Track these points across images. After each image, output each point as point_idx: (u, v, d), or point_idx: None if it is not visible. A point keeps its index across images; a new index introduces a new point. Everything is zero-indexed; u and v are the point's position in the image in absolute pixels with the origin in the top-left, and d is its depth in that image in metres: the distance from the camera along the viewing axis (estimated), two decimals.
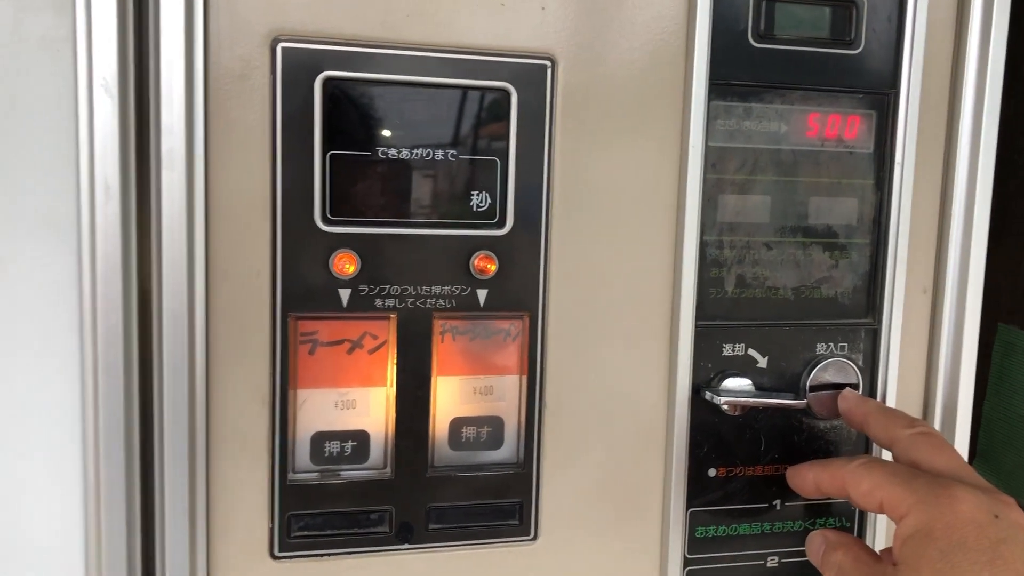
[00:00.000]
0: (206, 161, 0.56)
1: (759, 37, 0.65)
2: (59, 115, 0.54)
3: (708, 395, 0.67)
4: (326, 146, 0.59)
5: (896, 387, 0.70)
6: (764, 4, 0.65)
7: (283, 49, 0.57)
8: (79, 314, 0.55)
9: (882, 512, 0.58)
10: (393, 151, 0.60)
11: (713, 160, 0.66)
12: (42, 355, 0.56)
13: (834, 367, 0.69)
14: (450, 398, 0.64)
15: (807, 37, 0.67)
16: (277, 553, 0.61)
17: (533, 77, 0.62)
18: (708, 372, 0.68)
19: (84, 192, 0.54)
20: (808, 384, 0.69)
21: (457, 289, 0.62)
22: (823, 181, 0.69)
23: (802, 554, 0.71)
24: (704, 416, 0.68)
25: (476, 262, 0.62)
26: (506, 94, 0.61)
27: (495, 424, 0.65)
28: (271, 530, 0.61)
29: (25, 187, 0.54)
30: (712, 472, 0.69)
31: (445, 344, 0.63)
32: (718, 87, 0.65)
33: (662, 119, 0.64)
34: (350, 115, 0.59)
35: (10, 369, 0.55)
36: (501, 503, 0.65)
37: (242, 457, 0.60)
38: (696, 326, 0.67)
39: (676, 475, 0.68)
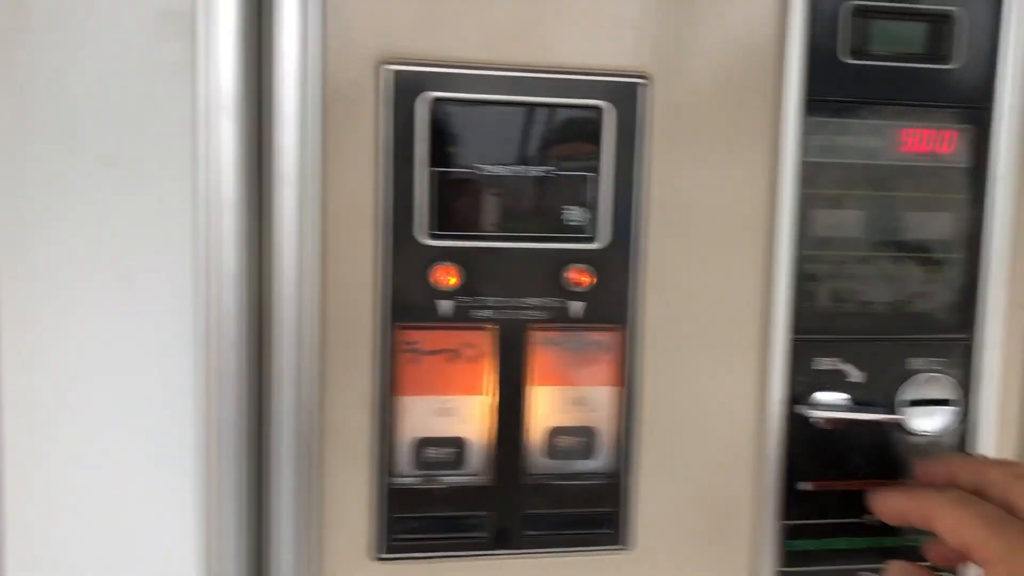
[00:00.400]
0: (320, 178, 0.59)
1: (853, 53, 0.66)
2: (182, 137, 0.58)
3: (802, 409, 0.67)
4: (429, 163, 0.61)
5: (996, 402, 0.69)
6: (858, 21, 0.66)
7: (390, 72, 0.60)
8: (198, 323, 0.58)
9: (967, 553, 0.56)
10: (492, 168, 0.62)
11: (807, 175, 0.67)
12: (164, 362, 0.59)
13: (931, 382, 0.69)
14: (545, 408, 0.65)
15: (902, 53, 0.67)
16: (381, 555, 0.63)
17: (627, 94, 0.63)
18: (801, 385, 0.68)
19: (202, 208, 0.57)
20: (904, 399, 0.69)
21: (552, 301, 0.64)
22: (917, 196, 0.69)
23: None
24: (797, 429, 0.68)
25: (571, 275, 0.64)
26: (600, 111, 0.63)
27: (589, 434, 0.66)
28: (375, 532, 0.63)
29: (152, 205, 0.58)
30: (805, 486, 0.69)
31: (540, 355, 0.65)
32: (812, 103, 0.66)
33: (756, 134, 0.65)
34: (452, 133, 0.62)
35: (134, 375, 0.59)
36: (595, 512, 0.66)
37: (349, 461, 0.63)
38: (792, 339, 0.67)
39: (768, 488, 0.68)
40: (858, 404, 0.68)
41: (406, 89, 0.61)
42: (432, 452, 0.64)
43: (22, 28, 0.55)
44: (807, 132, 0.66)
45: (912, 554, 0.70)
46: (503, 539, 0.65)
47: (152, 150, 0.58)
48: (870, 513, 0.70)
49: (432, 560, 0.64)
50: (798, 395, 0.68)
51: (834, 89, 0.66)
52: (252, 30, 0.58)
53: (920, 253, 0.69)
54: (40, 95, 0.56)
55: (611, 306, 0.65)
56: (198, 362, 0.59)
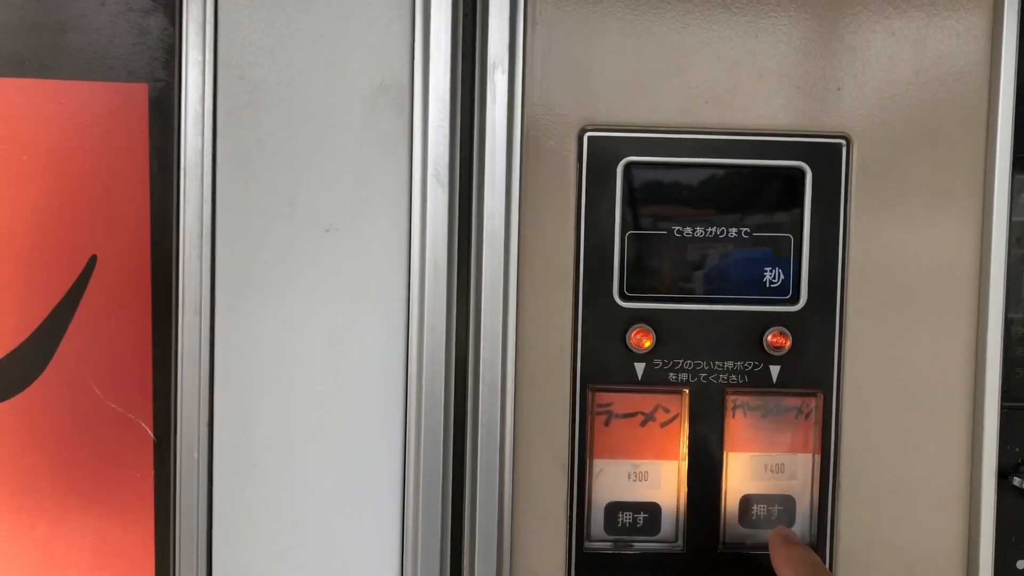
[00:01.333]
0: (519, 241, 0.61)
1: None
2: (394, 204, 0.60)
3: (1017, 481, 0.63)
4: (625, 226, 0.62)
5: None
6: None
7: (589, 138, 0.61)
8: (403, 382, 0.60)
9: None
10: (688, 230, 0.62)
11: (1018, 235, 0.64)
12: (372, 420, 0.61)
13: None
14: (741, 474, 0.64)
15: None
16: None
17: (828, 155, 0.62)
18: (1015, 456, 0.64)
19: (415, 271, 0.59)
20: None
21: (749, 365, 0.63)
22: None
23: None
24: (1012, 503, 0.64)
25: (769, 338, 0.63)
26: (801, 172, 0.62)
27: (787, 503, 0.64)
28: None
29: (365, 269, 0.61)
30: (1022, 564, 0.65)
31: (736, 419, 0.64)
32: (1022, 160, 0.63)
33: (962, 194, 0.63)
34: (648, 196, 0.62)
35: (344, 432, 0.61)
36: None
37: (543, 524, 0.63)
38: (1002, 407, 0.64)
39: (983, 565, 0.64)
40: None
41: (606, 154, 0.62)
42: (624, 517, 0.64)
43: (249, 105, 0.59)
44: (1018, 191, 0.63)
45: None
46: None
47: (366, 216, 0.60)
48: None
49: None
50: (1011, 466, 0.64)
51: None
52: (464, 101, 0.60)
53: None
54: (266, 167, 0.60)
55: (810, 370, 0.63)
56: (407, 420, 0.60)
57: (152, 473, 0.63)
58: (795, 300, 0.63)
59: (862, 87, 0.62)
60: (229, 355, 0.61)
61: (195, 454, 0.61)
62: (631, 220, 0.62)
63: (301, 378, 0.61)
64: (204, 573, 0.62)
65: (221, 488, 0.61)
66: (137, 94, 0.61)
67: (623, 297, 0.62)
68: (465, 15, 0.60)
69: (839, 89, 0.62)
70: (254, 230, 0.60)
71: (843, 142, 0.62)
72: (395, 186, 0.60)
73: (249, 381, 0.61)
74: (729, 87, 0.62)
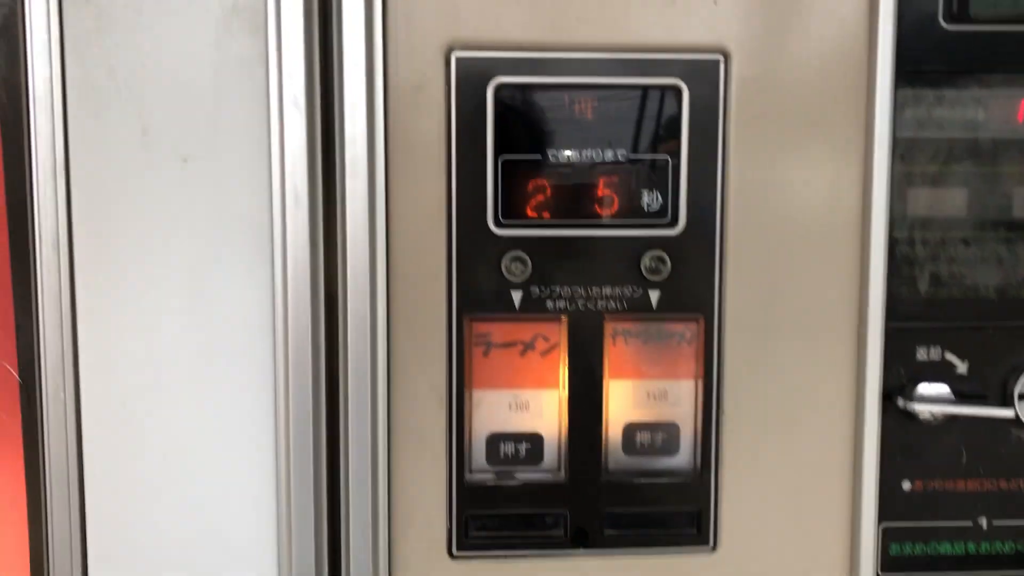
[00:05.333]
0: (387, 169, 0.59)
1: (952, 18, 0.61)
2: (255, 131, 0.58)
3: (902, 402, 0.63)
4: (498, 151, 0.60)
5: None
6: None
7: (457, 59, 0.59)
8: (271, 315, 0.59)
9: None
10: (563, 153, 0.61)
11: (901, 152, 0.62)
12: (239, 355, 0.60)
13: None
14: (623, 402, 0.63)
15: (1006, 16, 0.62)
16: (455, 552, 0.62)
17: (705, 73, 0.61)
18: (900, 377, 0.64)
19: (276, 201, 0.57)
20: (1017, 392, 0.64)
21: (628, 291, 0.62)
22: None
23: None
24: (897, 424, 0.64)
25: (648, 263, 0.61)
26: (677, 91, 0.61)
27: (670, 430, 0.63)
28: (449, 529, 0.62)
29: (226, 199, 0.59)
30: (907, 485, 0.64)
31: (617, 347, 0.63)
32: (906, 74, 0.61)
33: (845, 110, 0.61)
34: (521, 120, 0.60)
35: (208, 367, 0.60)
36: (678, 511, 0.63)
37: (421, 456, 0.62)
38: (886, 327, 0.63)
39: (867, 487, 0.64)
40: (963, 397, 0.63)
41: (475, 76, 0.59)
42: (506, 447, 0.63)
43: (96, 29, 0.57)
44: (901, 105, 0.62)
45: None
46: (581, 538, 0.63)
47: (224, 145, 0.58)
48: (984, 515, 0.65)
49: (509, 559, 0.63)
50: (898, 388, 0.63)
51: (931, 58, 0.61)
52: (319, 23, 0.58)
53: None
54: (117, 95, 0.57)
55: (691, 295, 0.62)
56: (273, 354, 0.59)
57: (19, 415, 0.61)
58: (674, 224, 0.61)
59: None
60: (90, 291, 0.59)
61: (62, 394, 0.60)
62: (504, 144, 0.60)
63: (164, 313, 0.59)
64: (77, 515, 0.61)
65: (90, 429, 0.60)
66: None
67: (497, 224, 0.61)
68: None
69: (716, 2, 0.60)
70: (109, 161, 0.58)
71: (720, 58, 0.60)
72: (253, 113, 0.58)
73: (111, 318, 0.59)
74: (601, 3, 0.60)
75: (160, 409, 0.60)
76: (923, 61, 0.61)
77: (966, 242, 0.64)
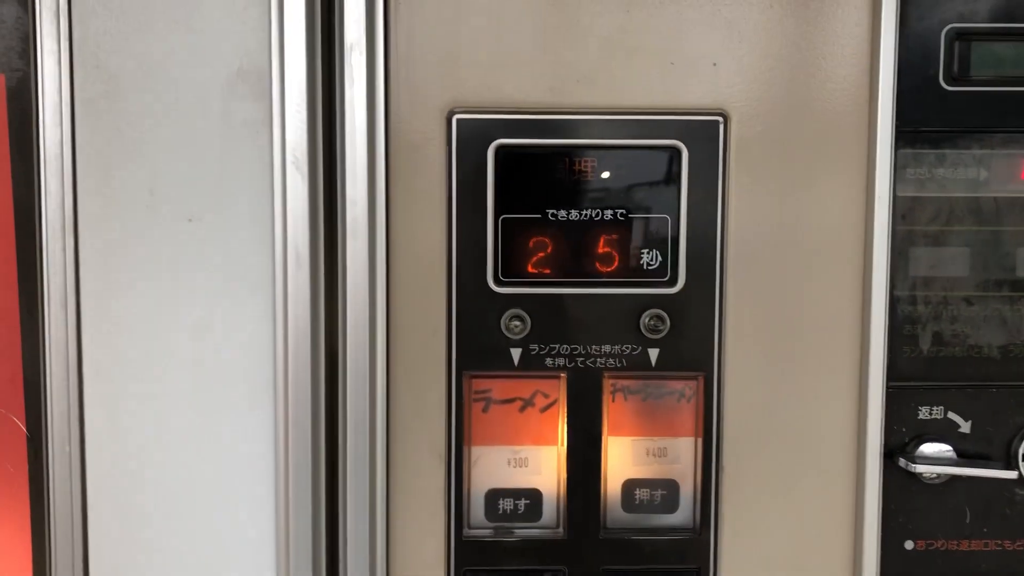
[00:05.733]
0: (388, 229, 0.60)
1: (952, 80, 0.61)
2: (258, 192, 0.59)
3: (904, 462, 0.62)
4: (498, 211, 0.61)
5: None
6: (957, 44, 0.61)
7: (458, 120, 0.60)
8: (273, 372, 0.59)
9: None
10: (563, 212, 0.61)
11: (903, 211, 0.62)
12: (242, 410, 0.60)
13: None
14: (622, 459, 0.63)
15: (1009, 76, 0.62)
16: None
17: (705, 133, 0.61)
18: (902, 436, 0.63)
19: (279, 261, 0.58)
20: (1021, 453, 0.63)
21: (628, 348, 0.62)
22: None
23: None
24: (898, 484, 0.63)
25: (647, 321, 0.61)
26: (677, 151, 0.61)
27: (670, 487, 0.63)
28: None
29: (230, 258, 0.60)
30: (909, 545, 0.64)
31: (616, 404, 0.63)
32: (906, 134, 0.61)
33: (845, 169, 0.62)
34: (521, 180, 0.61)
35: (214, 424, 0.61)
36: (678, 568, 0.63)
37: (420, 512, 0.62)
38: (888, 386, 0.62)
39: (868, 546, 0.63)
40: (966, 457, 0.63)
41: (475, 137, 0.60)
42: (505, 503, 0.63)
43: (106, 94, 0.58)
44: (902, 165, 0.62)
45: None
46: None
47: (229, 205, 0.59)
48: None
49: None
50: (900, 447, 0.63)
51: (932, 118, 0.61)
52: (323, 86, 0.59)
53: None
54: (126, 157, 0.59)
55: (691, 352, 0.62)
56: (275, 410, 0.60)
57: (26, 467, 0.62)
58: (673, 282, 0.62)
59: (739, 61, 0.61)
60: (97, 348, 0.60)
61: (67, 447, 0.61)
62: (504, 204, 0.61)
63: (169, 369, 0.60)
64: (80, 568, 0.61)
65: (95, 482, 0.61)
66: None
67: (497, 282, 0.61)
68: None
69: (715, 65, 0.61)
70: (117, 220, 0.59)
71: (720, 119, 0.61)
72: (257, 174, 0.59)
73: (118, 374, 0.60)
74: (600, 65, 0.60)
75: (165, 466, 0.61)
76: (923, 122, 0.61)
77: (969, 301, 0.63)
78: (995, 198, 0.63)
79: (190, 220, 0.59)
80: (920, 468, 0.62)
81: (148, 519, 0.61)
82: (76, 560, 0.61)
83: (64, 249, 0.59)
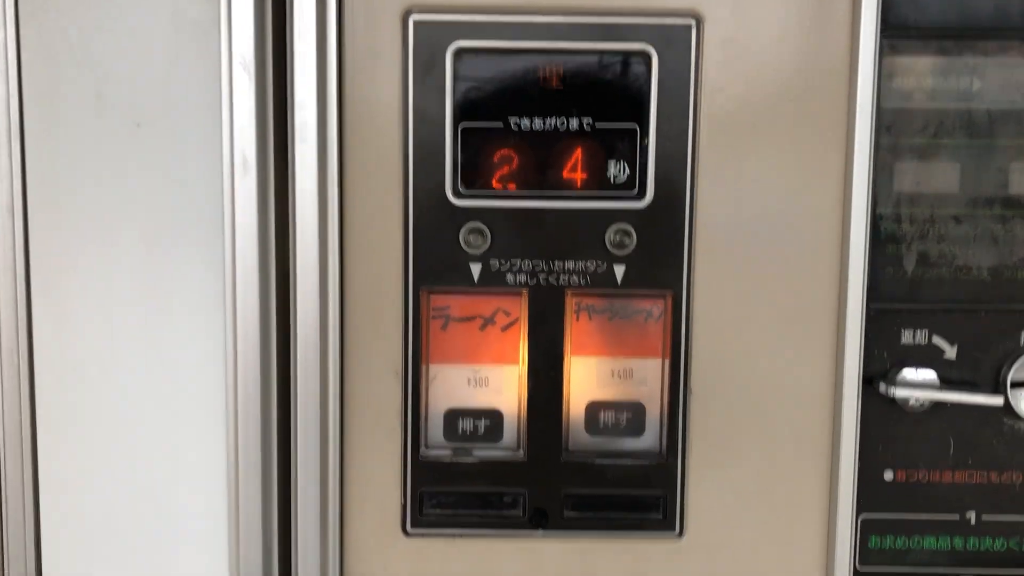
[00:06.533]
0: (341, 137, 0.57)
1: None
2: (206, 95, 0.57)
3: (884, 387, 0.59)
4: (457, 118, 0.58)
5: None
6: None
7: (415, 22, 0.57)
8: (222, 281, 0.57)
9: None
10: (525, 121, 0.58)
11: (887, 123, 0.59)
12: (191, 322, 0.59)
13: None
14: (586, 380, 0.61)
15: None
16: (409, 530, 0.61)
17: (676, 38, 0.58)
18: (883, 362, 0.60)
19: (226, 166, 0.56)
20: (1010, 379, 0.60)
21: (593, 265, 0.59)
22: None
23: None
24: (878, 411, 0.60)
25: (613, 236, 0.59)
26: (647, 57, 0.58)
27: (635, 410, 0.61)
28: (404, 506, 0.61)
29: (178, 163, 0.58)
30: (888, 475, 0.61)
31: (581, 323, 0.60)
32: (892, 40, 0.58)
33: (825, 77, 0.58)
34: (481, 86, 0.58)
35: (160, 333, 0.59)
36: (642, 494, 0.61)
37: (375, 431, 0.60)
38: (868, 309, 0.59)
39: (844, 476, 0.60)
40: (951, 383, 0.60)
41: (433, 40, 0.57)
42: (464, 424, 0.61)
43: None
44: (887, 74, 0.58)
45: (1021, 560, 0.61)
46: (540, 519, 0.61)
47: (177, 108, 0.57)
48: (973, 510, 0.61)
49: (464, 537, 0.61)
50: (881, 373, 0.60)
51: (921, 21, 0.58)
52: None
53: None
54: (71, 59, 0.57)
55: (659, 270, 0.59)
56: (224, 322, 0.58)
57: None
58: (641, 196, 0.59)
59: None
60: (44, 257, 0.59)
61: (15, 358, 0.60)
62: (463, 112, 0.58)
63: (120, 281, 0.59)
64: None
65: (42, 392, 0.60)
66: None
67: (456, 194, 0.59)
68: None
69: None
70: (63, 127, 0.58)
71: (692, 22, 0.58)
72: (205, 77, 0.57)
73: (64, 282, 0.59)
74: None
75: (112, 375, 0.60)
76: (910, 23, 0.57)
77: (957, 219, 0.60)
78: (988, 110, 0.59)
79: (138, 125, 0.58)
80: (901, 392, 0.59)
81: (92, 421, 0.60)
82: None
83: (11, 155, 0.58)
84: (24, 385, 0.60)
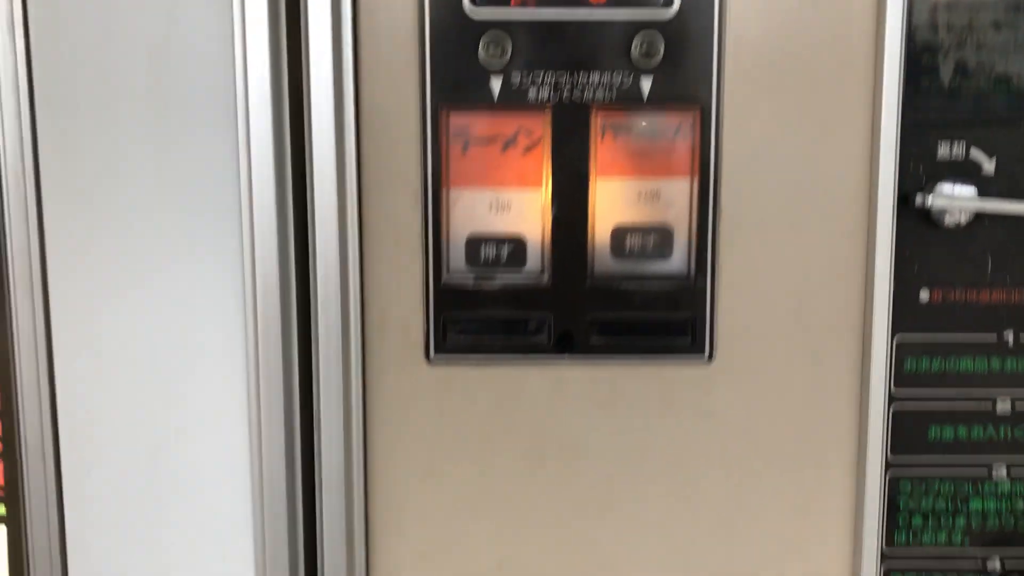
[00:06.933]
0: None
1: None
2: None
3: (920, 199, 0.57)
4: None
5: None
6: None
7: None
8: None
9: None
10: None
11: None
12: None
13: None
14: (612, 203, 0.59)
15: None
16: (432, 356, 0.59)
17: None
18: (919, 179, 0.58)
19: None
20: None
21: (618, 78, 0.57)
22: None
23: None
24: (914, 228, 0.58)
25: (639, 46, 0.56)
26: None
27: (663, 233, 0.59)
28: (426, 332, 0.59)
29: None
30: (924, 296, 0.59)
31: (606, 142, 0.58)
32: None
33: None
34: None
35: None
36: (671, 317, 0.59)
37: (396, 255, 0.58)
38: (903, 120, 0.57)
39: (879, 296, 0.59)
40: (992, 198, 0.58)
41: None
42: (486, 249, 0.59)
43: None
44: None
45: None
46: (566, 343, 0.59)
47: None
48: (1010, 328, 0.59)
49: (488, 364, 0.59)
50: (915, 188, 0.58)
51: None
52: None
53: None
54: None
55: (687, 83, 0.57)
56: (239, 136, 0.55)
57: None
58: (669, 2, 0.56)
59: None
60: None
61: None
62: None
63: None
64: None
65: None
66: None
67: (474, 4, 0.56)
68: None
69: None
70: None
71: None
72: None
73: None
74: None
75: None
76: None
77: (997, 26, 0.57)
78: None
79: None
80: (937, 206, 0.57)
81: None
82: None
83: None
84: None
